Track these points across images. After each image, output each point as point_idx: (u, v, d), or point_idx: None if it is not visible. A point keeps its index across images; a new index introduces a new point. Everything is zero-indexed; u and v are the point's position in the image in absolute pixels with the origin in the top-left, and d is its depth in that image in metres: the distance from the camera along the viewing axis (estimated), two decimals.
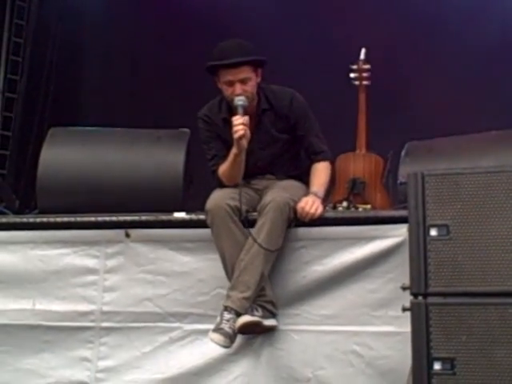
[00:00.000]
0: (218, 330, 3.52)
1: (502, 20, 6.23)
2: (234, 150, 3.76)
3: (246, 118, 3.71)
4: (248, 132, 3.70)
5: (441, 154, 3.90)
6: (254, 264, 3.58)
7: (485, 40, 6.15)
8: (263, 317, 3.61)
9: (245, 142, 3.71)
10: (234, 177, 3.79)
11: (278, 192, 3.75)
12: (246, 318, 3.54)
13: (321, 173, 3.91)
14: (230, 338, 3.53)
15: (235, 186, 3.75)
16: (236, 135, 3.69)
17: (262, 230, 3.61)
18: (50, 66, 6.39)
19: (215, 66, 3.80)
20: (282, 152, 3.98)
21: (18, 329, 3.95)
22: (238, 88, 3.75)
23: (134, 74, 6.99)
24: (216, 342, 3.53)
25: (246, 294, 3.56)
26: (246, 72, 3.77)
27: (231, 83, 3.77)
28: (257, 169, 3.94)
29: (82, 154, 4.24)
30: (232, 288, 3.60)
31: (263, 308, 3.62)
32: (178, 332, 3.83)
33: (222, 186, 3.89)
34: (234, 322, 3.53)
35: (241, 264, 3.60)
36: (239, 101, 3.73)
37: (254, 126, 3.86)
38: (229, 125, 3.77)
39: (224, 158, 3.86)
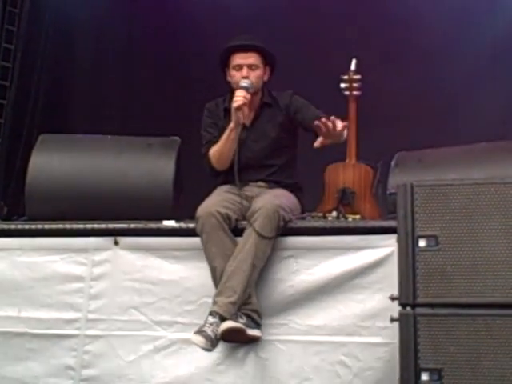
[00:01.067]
0: (200, 332, 3.48)
1: (494, 34, 6.26)
2: (230, 125, 3.91)
3: (248, 95, 3.89)
4: (246, 108, 3.89)
5: (430, 164, 3.91)
6: (241, 269, 3.57)
7: (476, 51, 6.17)
8: (247, 325, 3.58)
9: (241, 116, 3.87)
10: (223, 157, 3.96)
11: (268, 199, 3.75)
12: (229, 324, 3.50)
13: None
14: (212, 341, 3.48)
15: (226, 169, 3.89)
16: (234, 104, 3.87)
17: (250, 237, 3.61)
18: (40, 72, 6.37)
19: (227, 55, 4.03)
20: (273, 150, 4.06)
21: (3, 336, 3.92)
22: (245, 71, 3.98)
23: (124, 81, 6.98)
24: (197, 344, 3.48)
25: (233, 299, 3.54)
26: (254, 58, 4.02)
27: (240, 67, 4.00)
28: (246, 160, 3.96)
29: (72, 160, 4.22)
30: (218, 294, 3.58)
31: (248, 317, 3.60)
32: (162, 341, 3.80)
33: (211, 168, 4.04)
34: (218, 326, 3.49)
35: (228, 270, 3.58)
36: (244, 82, 3.95)
37: (252, 119, 4.07)
38: (229, 114, 3.96)
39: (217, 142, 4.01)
